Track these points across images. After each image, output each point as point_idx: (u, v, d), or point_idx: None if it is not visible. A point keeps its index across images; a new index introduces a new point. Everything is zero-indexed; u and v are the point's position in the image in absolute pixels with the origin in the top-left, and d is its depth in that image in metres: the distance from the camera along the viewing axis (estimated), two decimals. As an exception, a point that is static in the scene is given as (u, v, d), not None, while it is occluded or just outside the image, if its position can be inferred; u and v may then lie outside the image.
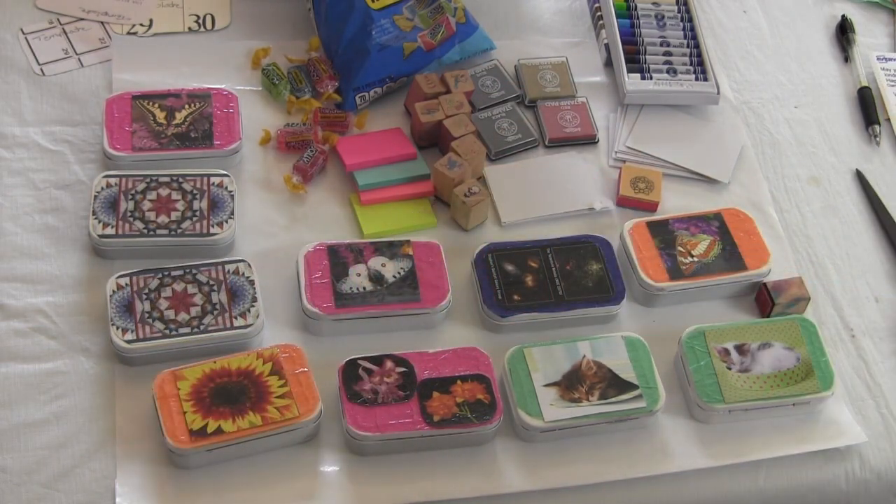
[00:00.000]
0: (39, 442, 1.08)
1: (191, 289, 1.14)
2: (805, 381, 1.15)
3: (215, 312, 1.13)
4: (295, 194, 1.27)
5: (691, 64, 1.40)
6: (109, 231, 1.18)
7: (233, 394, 1.08)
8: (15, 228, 1.21)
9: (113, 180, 1.21)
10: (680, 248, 1.23)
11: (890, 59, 1.50)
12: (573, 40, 1.47)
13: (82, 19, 1.39)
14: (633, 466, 1.12)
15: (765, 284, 1.23)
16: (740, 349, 1.16)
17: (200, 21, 1.41)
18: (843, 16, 1.55)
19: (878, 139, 1.42)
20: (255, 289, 1.15)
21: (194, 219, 1.19)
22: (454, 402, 1.09)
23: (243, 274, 1.16)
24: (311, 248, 1.19)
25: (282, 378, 1.09)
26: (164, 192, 1.21)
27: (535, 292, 1.19)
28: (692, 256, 1.23)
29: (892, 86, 1.47)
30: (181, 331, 1.12)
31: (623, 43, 1.41)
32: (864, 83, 1.47)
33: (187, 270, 1.15)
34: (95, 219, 1.18)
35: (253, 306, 1.14)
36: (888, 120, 1.45)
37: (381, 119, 1.35)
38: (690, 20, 1.45)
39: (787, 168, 1.39)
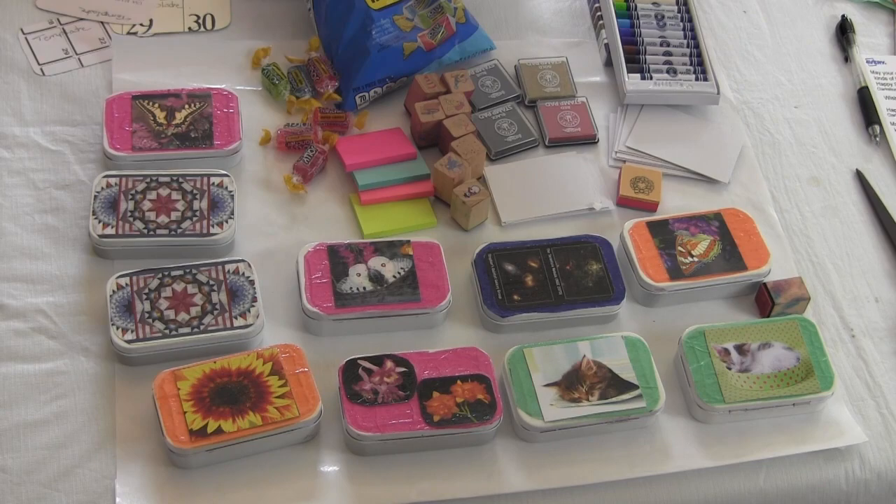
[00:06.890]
0: (39, 442, 1.08)
1: (191, 289, 1.14)
2: (805, 381, 1.15)
3: (215, 312, 1.13)
4: (295, 194, 1.27)
5: (691, 64, 1.40)
6: (109, 231, 1.18)
7: (233, 394, 1.08)
8: (15, 228, 1.21)
9: (113, 180, 1.21)
10: (680, 248, 1.23)
11: (879, 63, 1.50)
12: (573, 40, 1.47)
13: (82, 19, 1.39)
14: (633, 466, 1.12)
15: (765, 284, 1.23)
16: (740, 349, 1.16)
17: (200, 21, 1.41)
18: (843, 16, 1.55)
19: (878, 139, 1.42)
20: (255, 289, 1.15)
21: (194, 219, 1.19)
22: (454, 402, 1.09)
23: (243, 274, 1.16)
24: (311, 248, 1.19)
25: (282, 378, 1.09)
26: (164, 192, 1.21)
27: (535, 292, 1.19)
28: (692, 256, 1.23)
29: (883, 89, 1.47)
30: (181, 331, 1.12)
31: (623, 43, 1.41)
32: (864, 83, 1.47)
33: (187, 270, 1.15)
34: (95, 219, 1.18)
35: (253, 306, 1.14)
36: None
37: (381, 119, 1.35)
38: (690, 20, 1.45)
39: (787, 168, 1.39)
